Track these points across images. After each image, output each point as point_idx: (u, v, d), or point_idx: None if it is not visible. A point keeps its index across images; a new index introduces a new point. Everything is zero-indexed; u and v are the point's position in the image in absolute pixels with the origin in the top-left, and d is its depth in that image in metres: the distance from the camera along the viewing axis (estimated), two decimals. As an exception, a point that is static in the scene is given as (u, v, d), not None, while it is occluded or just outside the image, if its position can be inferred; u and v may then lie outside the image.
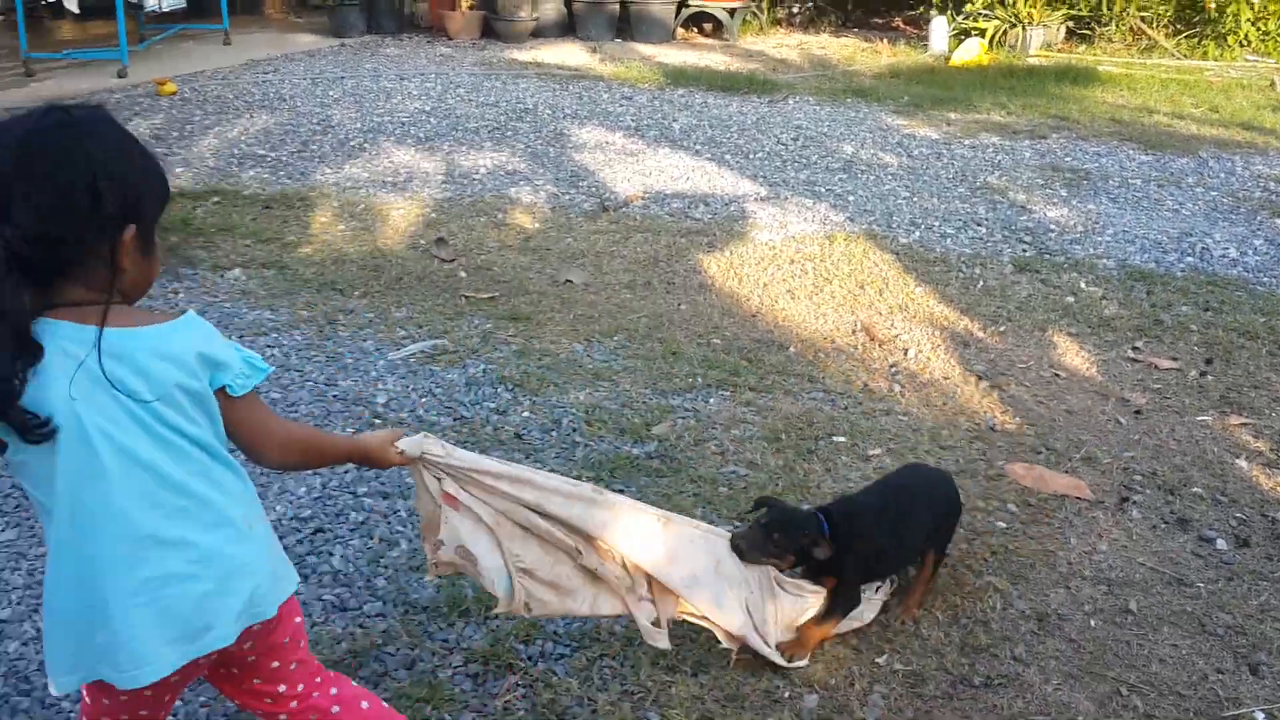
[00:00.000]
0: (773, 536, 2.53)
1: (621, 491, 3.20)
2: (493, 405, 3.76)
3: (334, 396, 3.78)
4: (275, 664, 1.82)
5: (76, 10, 9.26)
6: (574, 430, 3.59)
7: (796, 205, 6.06)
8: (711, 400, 3.82)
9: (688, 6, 11.69)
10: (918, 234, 5.63)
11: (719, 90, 9.01)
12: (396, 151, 6.92)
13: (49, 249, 1.53)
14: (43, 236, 1.51)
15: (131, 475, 1.57)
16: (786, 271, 5.05)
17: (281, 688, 1.84)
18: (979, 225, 5.78)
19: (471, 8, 11.31)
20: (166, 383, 1.59)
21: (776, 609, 2.56)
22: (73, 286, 1.57)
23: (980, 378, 4.07)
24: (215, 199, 5.83)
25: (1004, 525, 3.15)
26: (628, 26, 11.54)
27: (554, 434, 3.57)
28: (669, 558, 2.38)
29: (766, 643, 2.51)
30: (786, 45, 11.40)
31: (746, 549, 2.51)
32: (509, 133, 7.46)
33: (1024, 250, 5.42)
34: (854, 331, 4.45)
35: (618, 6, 11.42)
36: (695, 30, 12.17)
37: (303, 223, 5.56)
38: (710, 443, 3.52)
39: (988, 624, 2.73)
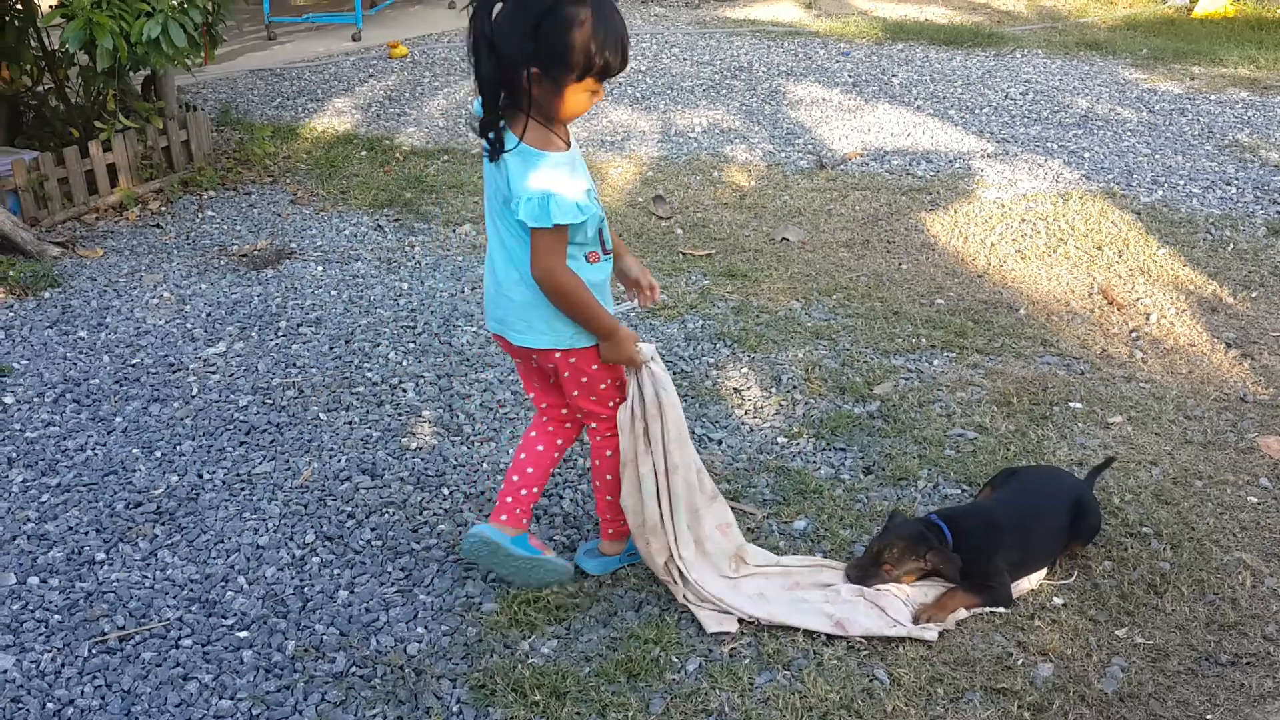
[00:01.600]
0: (883, 566, 2.57)
1: (843, 451, 3.18)
2: (711, 360, 3.77)
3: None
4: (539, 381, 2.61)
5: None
6: (794, 387, 3.57)
7: (1027, 162, 5.80)
8: (936, 361, 3.71)
9: (908, -41, 11.30)
10: (1160, 193, 5.29)
11: (941, 44, 8.69)
12: (614, 111, 7.00)
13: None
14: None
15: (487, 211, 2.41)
16: (1016, 231, 4.84)
17: (550, 401, 2.64)
18: (1228, 185, 5.38)
19: (686, -34, 11.28)
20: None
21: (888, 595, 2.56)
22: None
23: (1230, 346, 3.80)
24: (445, 157, 6.06)
25: (1255, 500, 2.95)
26: (844, -19, 11.26)
27: (773, 391, 3.56)
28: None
29: (899, 623, 2.49)
30: (1012, -3, 10.88)
31: (855, 577, 2.58)
32: (724, 91, 7.43)
33: (1279, 212, 5.02)
34: (1090, 294, 4.23)
35: (834, -39, 11.15)
36: (914, -17, 11.76)
37: (526, 180, 5.70)
38: (935, 404, 3.43)
39: (1236, 601, 2.56)
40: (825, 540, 2.79)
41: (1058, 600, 2.59)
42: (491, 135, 2.23)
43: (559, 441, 2.68)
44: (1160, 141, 6.12)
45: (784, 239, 4.88)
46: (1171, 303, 4.12)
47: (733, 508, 2.91)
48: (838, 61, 8.17)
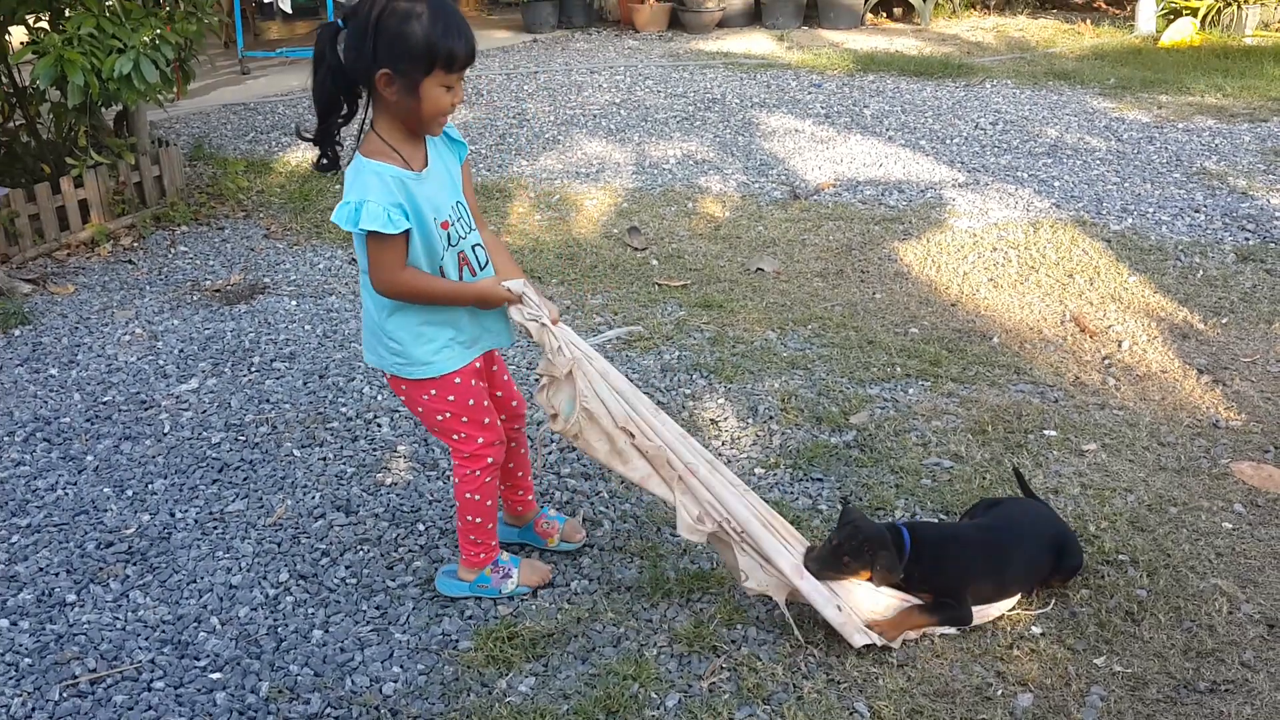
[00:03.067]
0: (843, 559, 2.51)
1: (820, 481, 3.18)
2: (688, 391, 3.77)
3: (534, 379, 3.86)
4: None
5: (290, 11, 9.78)
6: (771, 418, 3.57)
7: (998, 191, 5.86)
8: (911, 390, 3.73)
9: (878, -9, 11.46)
10: (1130, 221, 5.35)
11: (912, 75, 8.79)
12: (589, 143, 7.03)
13: None
14: None
15: None
16: (988, 259, 4.88)
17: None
18: (1196, 212, 5.45)
19: (659, 0, 11.38)
20: None
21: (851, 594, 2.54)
22: None
23: (1202, 372, 3.83)
24: (419, 190, 6.05)
25: (1230, 526, 2.96)
26: (815, 13, 11.38)
27: (750, 421, 3.56)
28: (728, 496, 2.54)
29: (837, 608, 2.48)
30: (981, 28, 11.01)
31: (818, 569, 2.51)
32: (698, 122, 7.48)
33: (1247, 239, 5.08)
34: (1063, 322, 4.26)
35: (805, -7, 11.29)
36: (884, 15, 11.91)
37: (502, 212, 5.71)
38: (911, 433, 3.43)
39: (1213, 628, 2.57)
40: (803, 572, 2.78)
41: (1036, 629, 2.58)
42: (326, 151, 2.36)
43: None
44: (1129, 170, 6.19)
45: (759, 269, 4.90)
46: (1143, 330, 4.16)
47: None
48: (810, 93, 8.25)
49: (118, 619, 2.68)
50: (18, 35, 5.57)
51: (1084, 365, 3.91)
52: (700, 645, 2.53)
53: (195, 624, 2.66)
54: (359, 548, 2.95)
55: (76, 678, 2.49)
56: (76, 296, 4.67)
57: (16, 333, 4.29)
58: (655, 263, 5.01)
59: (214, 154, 6.64)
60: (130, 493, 3.21)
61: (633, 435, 2.52)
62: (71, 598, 2.76)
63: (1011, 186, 5.93)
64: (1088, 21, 11.05)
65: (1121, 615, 2.61)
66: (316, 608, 2.71)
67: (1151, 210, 5.49)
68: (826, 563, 2.52)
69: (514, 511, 2.93)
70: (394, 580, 2.82)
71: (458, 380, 2.49)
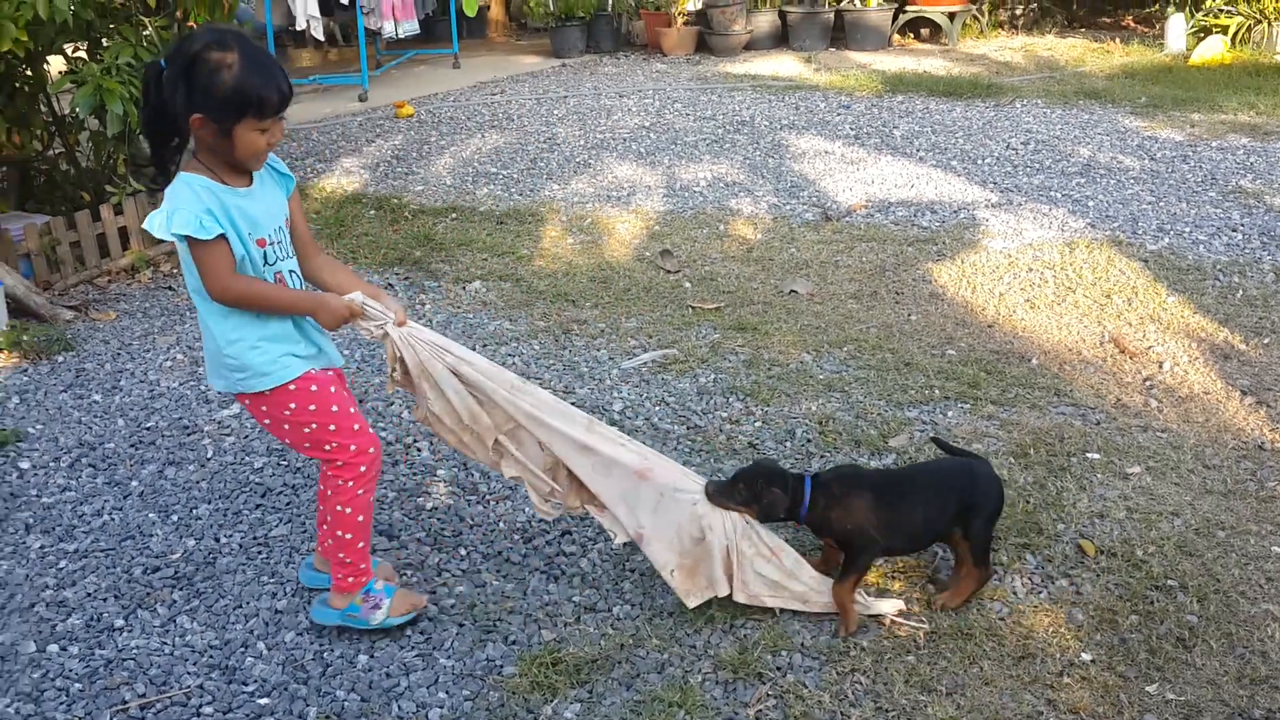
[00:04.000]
0: (738, 485, 2.67)
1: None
2: (725, 415, 3.77)
3: (572, 404, 3.86)
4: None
5: (322, 38, 9.90)
6: (808, 441, 3.57)
7: (1031, 211, 5.84)
8: (950, 413, 3.71)
9: (905, 12, 11.46)
10: (1167, 240, 5.31)
11: (941, 95, 8.79)
12: (619, 166, 7.06)
13: None
14: None
15: None
16: (1024, 280, 4.86)
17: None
18: (1234, 231, 5.41)
19: (686, 24, 11.44)
20: None
21: (742, 556, 2.66)
22: None
23: (1245, 393, 3.80)
24: (453, 215, 6.11)
25: (1280, 551, 2.93)
26: (842, 35, 11.41)
27: (788, 444, 3.55)
28: (594, 464, 2.69)
29: (729, 583, 2.66)
30: (1009, 48, 11.00)
31: (712, 493, 2.67)
32: (727, 145, 7.50)
33: (1286, 257, 5.04)
34: (1102, 343, 4.23)
35: (832, 15, 11.31)
36: (912, 36, 11.92)
37: (534, 237, 5.75)
38: (953, 456, 3.42)
39: (1266, 654, 2.54)
40: (848, 597, 2.77)
41: (1086, 656, 2.56)
42: (160, 174, 2.44)
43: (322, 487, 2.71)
44: (1164, 189, 6.16)
45: (792, 291, 4.90)
46: (1184, 350, 4.13)
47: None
48: (839, 115, 8.26)
49: (166, 644, 2.70)
50: (56, 65, 5.66)
51: (1125, 387, 3.89)
52: (745, 672, 2.52)
53: (242, 649, 2.67)
54: (402, 572, 2.95)
55: (126, 703, 2.51)
56: (118, 323, 4.73)
57: (60, 359, 4.34)
58: (688, 285, 5.02)
59: (250, 180, 6.71)
60: (175, 518, 3.24)
61: (475, 430, 2.66)
62: (120, 623, 2.78)
63: (1045, 206, 5.91)
64: (1117, 40, 11.02)
65: (1172, 642, 2.59)
66: (361, 633, 2.72)
67: (1188, 229, 5.46)
68: (722, 491, 2.68)
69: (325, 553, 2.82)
70: (437, 605, 2.83)
71: (314, 387, 2.49)
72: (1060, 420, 3.63)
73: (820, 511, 2.68)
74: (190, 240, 2.31)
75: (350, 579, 2.64)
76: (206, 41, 2.27)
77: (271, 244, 2.45)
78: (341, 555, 2.62)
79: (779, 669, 2.54)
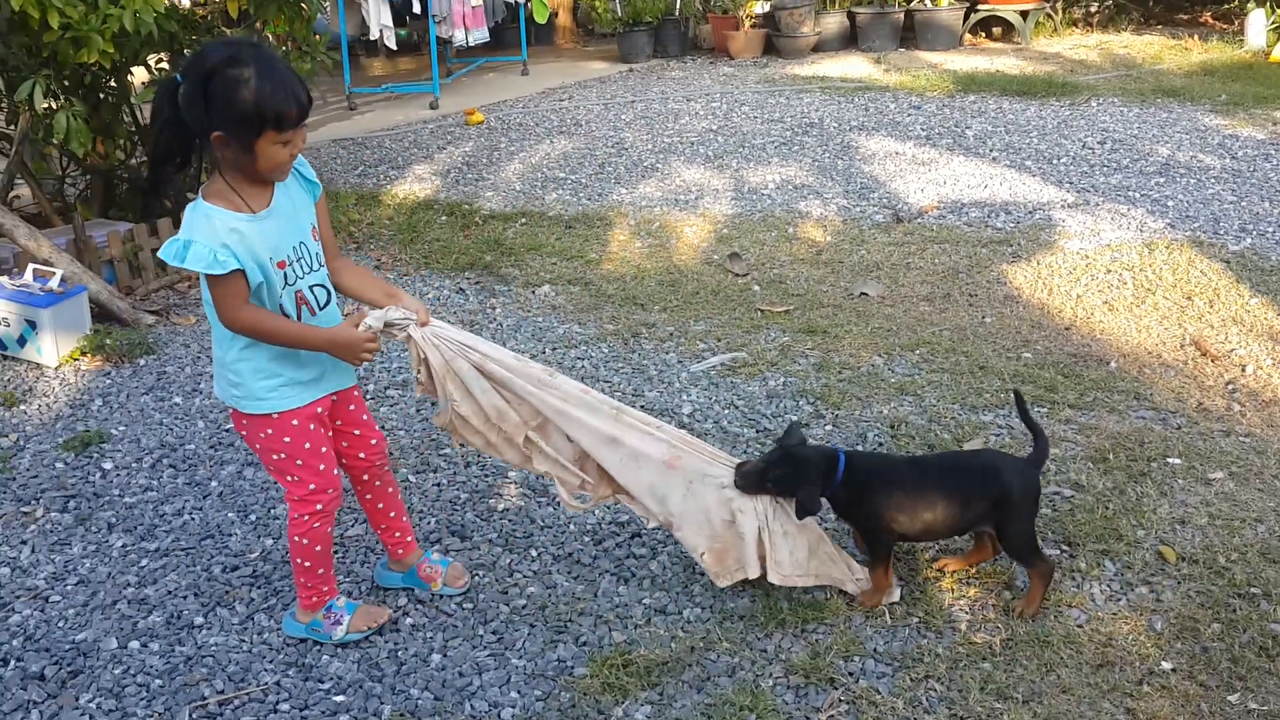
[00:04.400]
0: (769, 474, 2.68)
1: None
2: (795, 418, 3.75)
3: (641, 407, 3.88)
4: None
5: (394, 47, 10.04)
6: (880, 445, 3.53)
7: (1109, 211, 5.72)
8: (1026, 416, 3.64)
9: (977, 11, 11.31)
10: (1249, 240, 5.17)
11: (1014, 95, 8.65)
12: (686, 170, 7.06)
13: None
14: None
15: None
16: (1102, 282, 4.76)
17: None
18: (1321, 230, 5.25)
19: (754, 26, 11.41)
20: None
21: (774, 536, 2.68)
22: None
23: (1334, 397, 3.68)
24: (523, 220, 6.15)
25: (1373, 560, 2.83)
26: (912, 35, 11.29)
27: (860, 449, 3.51)
28: (622, 457, 2.69)
29: (762, 565, 2.69)
30: (1084, 46, 10.80)
31: (742, 483, 2.68)
32: (795, 147, 7.46)
33: (1378, 257, 4.88)
34: (1183, 346, 4.13)
35: (902, 15, 11.20)
36: (983, 35, 11.76)
37: (602, 241, 5.77)
38: (1029, 461, 3.36)
39: (1359, 667, 2.46)
40: (920, 604, 2.74)
41: (1166, 665, 2.50)
42: (156, 197, 2.47)
43: (365, 477, 2.81)
44: (1246, 188, 5.99)
45: (863, 294, 4.85)
46: (1268, 353, 4.01)
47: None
48: (909, 115, 8.17)
49: (244, 641, 2.75)
50: (139, 75, 5.81)
51: (1207, 390, 3.79)
52: (817, 676, 2.50)
53: (318, 647, 2.72)
54: (474, 572, 2.98)
55: (205, 699, 2.56)
56: (198, 327, 4.84)
57: (142, 362, 4.45)
58: (757, 288, 5.00)
59: (326, 188, 6.79)
60: (253, 518, 3.31)
61: (503, 429, 2.66)
62: (200, 620, 2.84)
63: (1123, 207, 5.79)
64: (1195, 37, 10.76)
65: (1255, 650, 2.51)
66: (434, 632, 2.75)
67: (1271, 230, 5.30)
68: (751, 480, 2.68)
69: (395, 556, 2.91)
70: (508, 605, 2.85)
71: (295, 423, 2.50)
72: (1140, 425, 3.55)
73: (845, 494, 2.71)
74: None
75: (314, 598, 2.71)
76: (223, 57, 2.24)
77: (291, 264, 2.43)
78: (303, 580, 2.69)
79: (851, 674, 2.52)
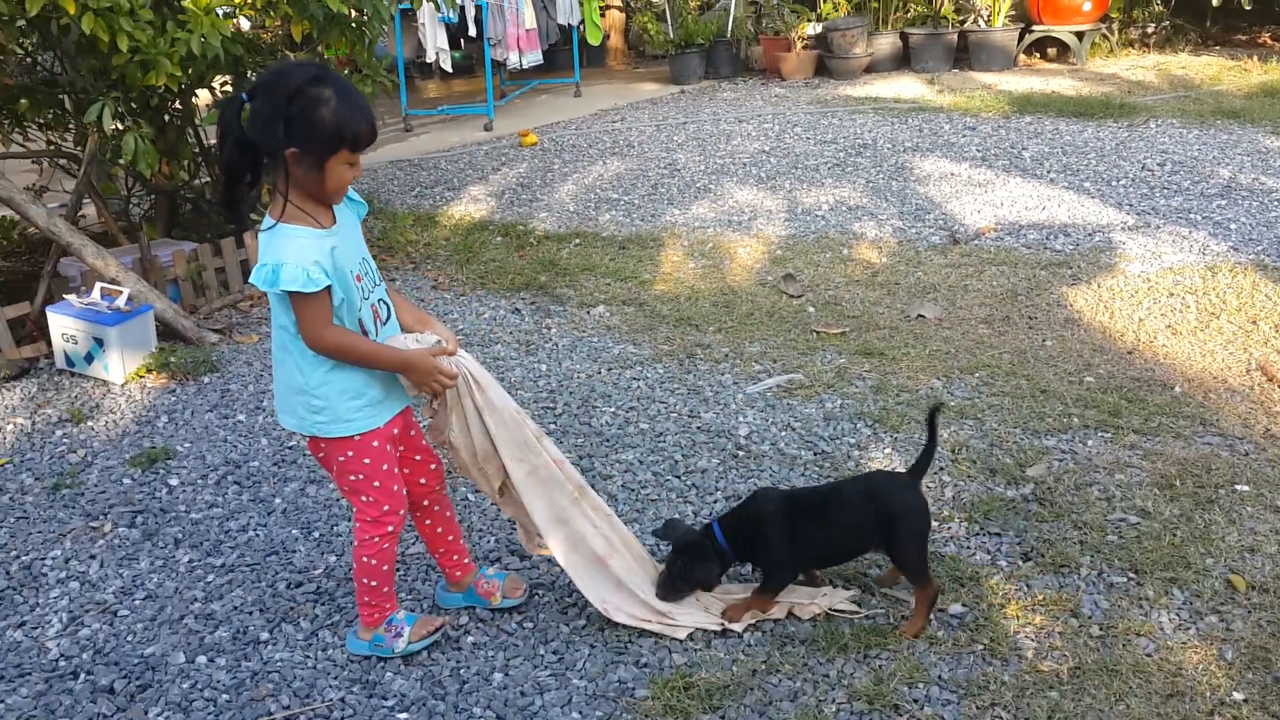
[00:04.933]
0: (673, 575, 2.83)
1: (998, 536, 3.10)
2: (853, 441, 3.73)
3: (697, 428, 3.89)
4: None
5: (450, 70, 10.16)
6: (941, 469, 3.50)
7: (1170, 234, 5.64)
8: (1090, 442, 3.60)
9: (1031, 31, 11.23)
10: (1317, 264, 5.08)
11: (1071, 116, 8.57)
12: (739, 191, 7.07)
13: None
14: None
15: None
16: (1164, 305, 4.70)
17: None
18: (1391, 253, 5.15)
19: (806, 48, 11.42)
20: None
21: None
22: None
23: None
24: (576, 241, 6.19)
25: None
26: (965, 56, 11.23)
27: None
28: (564, 536, 2.82)
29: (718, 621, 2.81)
30: (1141, 66, 10.68)
31: (664, 596, 2.84)
32: (849, 168, 7.44)
33: None
34: (1248, 371, 4.06)
35: (955, 36, 11.15)
36: (1038, 55, 11.67)
37: (656, 261, 5.79)
38: (1093, 487, 3.31)
39: None
40: (985, 630, 2.71)
41: (1238, 695, 2.46)
42: (233, 213, 2.49)
43: (425, 503, 2.85)
44: (1312, 210, 5.89)
45: (920, 316, 4.82)
46: (1339, 379, 3.93)
47: (884, 594, 2.87)
48: (964, 136, 8.13)
49: (308, 657, 2.78)
50: (203, 98, 5.93)
51: (1274, 416, 3.72)
52: (881, 703, 2.48)
53: (381, 664, 2.74)
54: (534, 592, 2.99)
55: (271, 714, 2.59)
56: (260, 345, 4.92)
57: (206, 380, 4.53)
58: (812, 310, 4.99)
59: (383, 208, 6.93)
60: (317, 535, 3.35)
61: (483, 469, 2.76)
62: (265, 636, 2.88)
63: (1185, 229, 5.71)
64: (1254, 58, 10.60)
65: (1334, 684, 2.46)
66: (496, 650, 2.77)
67: (1340, 252, 5.21)
68: (669, 588, 2.84)
69: (453, 578, 2.95)
70: (568, 625, 2.85)
71: (375, 444, 2.56)
72: (1207, 450, 3.49)
73: (740, 548, 2.83)
74: (292, 292, 2.34)
75: (375, 615, 2.75)
76: (308, 77, 2.31)
77: (364, 276, 2.51)
78: (366, 599, 2.73)
79: (915, 701, 2.49)
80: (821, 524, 2.78)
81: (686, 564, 2.82)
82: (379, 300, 2.58)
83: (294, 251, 2.33)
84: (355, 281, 2.46)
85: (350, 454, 2.54)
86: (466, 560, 2.95)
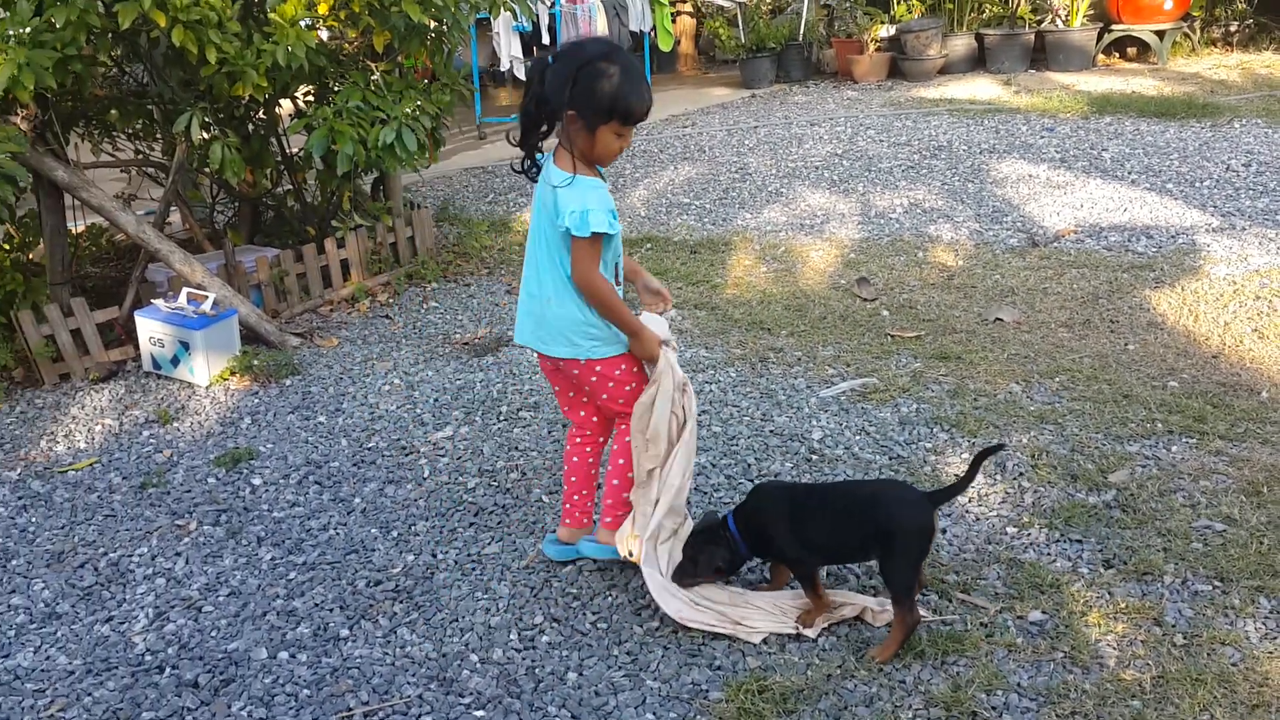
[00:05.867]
0: (693, 571, 2.85)
1: (1079, 543, 3.05)
2: (929, 445, 3.69)
3: (770, 432, 3.88)
4: (572, 394, 3.06)
5: (524, 78, 10.25)
6: (1021, 474, 3.45)
7: (1257, 236, 5.49)
8: (1174, 448, 3.52)
9: (1110, 31, 11.01)
10: None
11: (1152, 116, 8.39)
12: (811, 195, 7.04)
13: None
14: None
15: (531, 239, 2.89)
16: (1251, 309, 4.58)
17: (581, 413, 3.09)
18: None
19: (879, 50, 11.32)
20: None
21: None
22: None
23: None
24: (648, 245, 6.21)
25: None
26: (1043, 56, 11.04)
27: (998, 478, 3.44)
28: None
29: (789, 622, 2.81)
30: (1224, 66, 10.40)
31: (679, 580, 2.85)
32: (923, 171, 7.37)
33: None
34: (1342, 375, 3.95)
35: (1032, 37, 10.97)
36: (1117, 55, 11.43)
37: (727, 265, 5.78)
38: (1178, 493, 3.24)
39: None
40: (1066, 637, 2.66)
41: None
42: (528, 163, 2.86)
43: (588, 449, 3.14)
44: None
45: (997, 319, 4.76)
46: None
47: (963, 600, 2.84)
48: (1042, 137, 7.99)
49: (387, 654, 2.83)
50: (285, 107, 6.06)
51: (1370, 423, 3.60)
52: (959, 710, 2.46)
53: (458, 662, 2.78)
54: (607, 593, 3.01)
55: (350, 710, 2.64)
56: (340, 349, 5.02)
57: (288, 382, 4.63)
58: (886, 313, 4.95)
59: (458, 215, 7.02)
60: (395, 534, 3.40)
61: (647, 445, 2.88)
62: (345, 633, 2.93)
63: (1272, 231, 5.55)
64: (1345, 53, 10.28)
65: None
66: (570, 650, 2.79)
67: None
68: (684, 573, 2.85)
69: (579, 523, 3.18)
70: (641, 626, 2.87)
71: (623, 365, 2.90)
72: (1297, 457, 3.40)
73: (754, 542, 2.86)
74: (579, 236, 2.67)
75: (618, 518, 3.01)
76: (598, 52, 2.66)
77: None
78: (609, 500, 3.02)
79: (994, 709, 2.46)
80: (822, 520, 2.79)
81: (695, 548, 2.86)
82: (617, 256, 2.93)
83: (596, 199, 2.68)
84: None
85: (623, 368, 2.88)
86: (590, 517, 3.17)
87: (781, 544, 2.81)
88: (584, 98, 2.63)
